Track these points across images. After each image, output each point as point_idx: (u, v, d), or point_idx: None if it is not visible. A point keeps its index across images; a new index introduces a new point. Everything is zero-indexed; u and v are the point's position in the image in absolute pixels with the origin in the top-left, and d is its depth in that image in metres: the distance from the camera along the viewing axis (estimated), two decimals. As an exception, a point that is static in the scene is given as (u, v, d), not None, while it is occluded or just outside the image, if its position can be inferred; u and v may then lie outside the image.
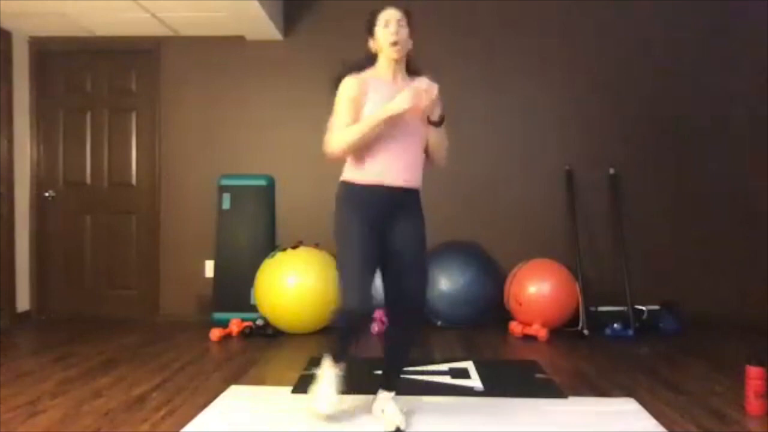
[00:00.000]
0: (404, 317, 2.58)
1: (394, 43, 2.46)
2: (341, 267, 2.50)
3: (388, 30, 2.47)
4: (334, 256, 4.62)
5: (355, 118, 2.45)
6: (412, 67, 2.58)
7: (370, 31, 2.55)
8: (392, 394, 2.66)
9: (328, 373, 2.58)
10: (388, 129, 2.40)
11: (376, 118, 2.39)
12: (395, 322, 2.64)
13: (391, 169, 2.46)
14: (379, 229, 2.48)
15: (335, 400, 2.57)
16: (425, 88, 2.37)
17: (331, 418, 2.59)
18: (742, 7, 4.97)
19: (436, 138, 2.55)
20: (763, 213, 4.93)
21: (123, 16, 4.63)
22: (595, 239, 5.01)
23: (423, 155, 2.56)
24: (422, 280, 2.55)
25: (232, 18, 4.61)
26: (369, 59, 2.58)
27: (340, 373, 2.59)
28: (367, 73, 2.52)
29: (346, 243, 2.49)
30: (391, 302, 2.57)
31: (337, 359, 2.59)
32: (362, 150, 2.45)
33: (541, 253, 4.74)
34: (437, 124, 2.51)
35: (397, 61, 2.51)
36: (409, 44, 2.51)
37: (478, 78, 5.06)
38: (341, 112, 2.50)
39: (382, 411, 2.62)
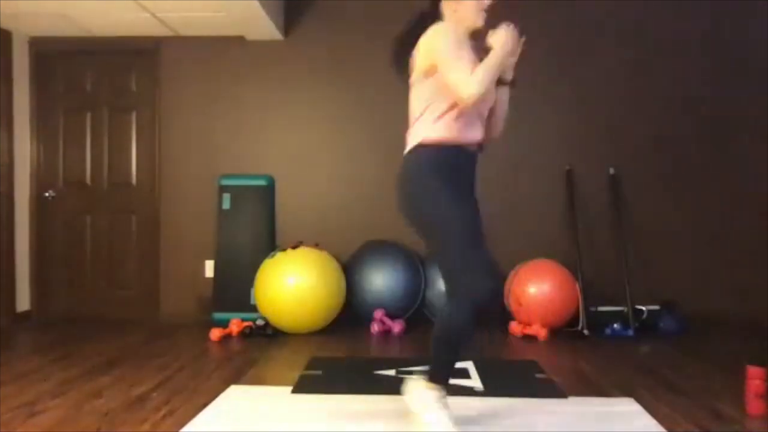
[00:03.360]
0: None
1: (488, 9, 2.33)
2: (452, 248, 2.20)
3: None
4: (334, 256, 4.68)
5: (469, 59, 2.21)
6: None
7: None
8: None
9: (432, 399, 2.28)
10: None
11: (497, 57, 2.20)
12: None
13: (473, 124, 2.31)
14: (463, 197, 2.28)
15: (452, 421, 2.27)
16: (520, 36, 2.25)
17: None
18: (743, 6, 4.97)
19: (505, 102, 2.43)
20: (763, 213, 4.93)
21: (123, 16, 4.63)
22: (595, 239, 5.01)
23: None
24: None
25: (232, 18, 4.61)
26: (423, 22, 2.34)
27: (444, 394, 2.31)
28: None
29: (439, 220, 2.21)
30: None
31: (442, 376, 2.29)
32: (447, 97, 2.24)
33: (541, 253, 4.74)
34: (513, 83, 2.39)
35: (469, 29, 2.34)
36: None
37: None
38: (458, 51, 2.19)
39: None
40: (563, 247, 4.90)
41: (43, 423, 2.61)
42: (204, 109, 5.16)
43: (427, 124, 2.29)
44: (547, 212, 5.02)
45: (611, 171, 4.99)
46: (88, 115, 5.24)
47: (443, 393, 2.33)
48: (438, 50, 2.22)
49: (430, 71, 2.27)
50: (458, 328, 2.26)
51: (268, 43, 5.09)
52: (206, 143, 5.15)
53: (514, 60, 2.36)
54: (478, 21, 2.33)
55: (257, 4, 4.25)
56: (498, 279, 2.29)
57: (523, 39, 2.32)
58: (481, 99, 2.20)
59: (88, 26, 4.88)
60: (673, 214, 5.00)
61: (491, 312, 2.35)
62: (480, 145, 2.41)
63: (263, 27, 4.77)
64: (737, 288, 4.91)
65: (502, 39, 2.24)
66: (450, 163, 2.30)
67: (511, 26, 2.28)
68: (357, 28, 5.06)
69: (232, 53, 5.13)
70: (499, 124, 2.51)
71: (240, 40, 5.09)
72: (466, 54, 2.24)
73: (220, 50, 5.13)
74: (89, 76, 5.24)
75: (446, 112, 2.27)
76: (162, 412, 2.74)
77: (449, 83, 2.20)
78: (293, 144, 5.13)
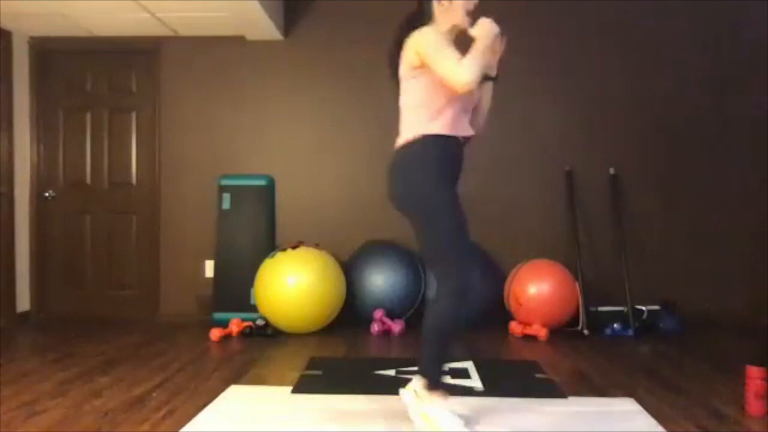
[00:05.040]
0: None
1: (471, 13, 2.39)
2: (450, 240, 2.28)
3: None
4: (334, 256, 4.68)
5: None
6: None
7: None
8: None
9: (436, 404, 2.32)
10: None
11: (482, 45, 2.26)
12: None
13: (463, 119, 2.40)
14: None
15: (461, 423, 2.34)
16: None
17: None
18: (744, 6, 4.97)
19: (489, 98, 2.53)
20: (763, 213, 4.94)
21: (123, 16, 4.63)
22: (595, 239, 5.01)
23: None
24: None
25: (232, 18, 4.61)
26: (414, 23, 2.43)
27: (446, 396, 2.37)
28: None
29: (448, 210, 2.29)
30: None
31: (437, 378, 2.34)
32: (440, 95, 2.33)
33: (541, 253, 4.74)
34: (496, 79, 2.47)
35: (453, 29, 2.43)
36: None
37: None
38: (446, 47, 2.27)
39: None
40: (563, 247, 4.90)
41: (43, 423, 2.61)
42: (204, 109, 5.16)
43: (427, 118, 2.36)
44: (547, 212, 5.02)
45: (611, 171, 4.99)
46: (88, 115, 5.24)
47: (445, 393, 2.37)
48: (425, 46, 2.30)
49: (419, 67, 2.35)
50: (450, 318, 2.33)
51: (268, 43, 5.09)
52: (206, 143, 5.16)
53: (496, 58, 2.41)
54: (465, 21, 2.39)
55: (257, 4, 4.25)
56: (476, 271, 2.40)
57: (505, 38, 2.38)
58: (475, 87, 2.27)
59: (88, 26, 4.88)
60: (673, 215, 5.00)
61: (470, 304, 2.38)
62: (467, 139, 2.48)
63: (263, 27, 4.77)
64: (737, 288, 4.91)
65: (484, 29, 2.30)
66: (450, 155, 2.39)
67: (491, 19, 2.33)
68: (357, 28, 5.06)
69: (232, 53, 5.13)
70: (481, 120, 2.59)
71: (240, 40, 5.10)
72: (452, 48, 2.31)
73: (220, 50, 5.13)
74: (89, 76, 5.24)
75: (444, 107, 2.35)
76: (162, 412, 2.74)
77: (443, 74, 2.25)
78: (293, 144, 5.13)
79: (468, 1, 2.40)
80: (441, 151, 2.36)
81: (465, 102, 2.40)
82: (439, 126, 2.35)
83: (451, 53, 2.26)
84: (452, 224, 2.30)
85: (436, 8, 2.42)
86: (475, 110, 2.54)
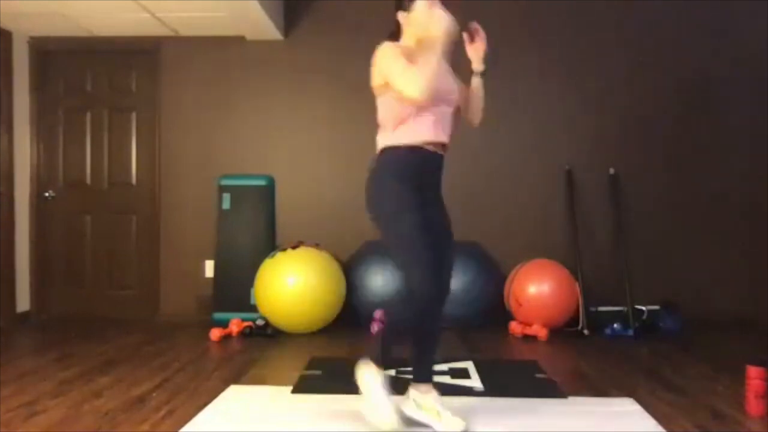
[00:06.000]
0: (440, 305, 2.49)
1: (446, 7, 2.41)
2: (401, 246, 2.33)
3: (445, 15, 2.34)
4: (334, 256, 4.68)
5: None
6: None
7: (405, 8, 2.43)
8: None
9: (374, 378, 2.37)
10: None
11: (435, 48, 2.25)
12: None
13: (436, 125, 2.39)
14: (422, 198, 2.40)
15: (392, 406, 2.37)
16: (475, 26, 2.40)
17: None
18: (744, 7, 4.97)
19: (480, 93, 2.54)
20: (763, 212, 4.94)
21: (123, 16, 4.63)
22: (595, 239, 5.01)
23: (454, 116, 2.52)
24: (453, 262, 2.54)
25: (232, 18, 4.61)
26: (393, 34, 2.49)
27: (386, 375, 2.41)
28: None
29: (401, 217, 2.33)
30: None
31: (381, 360, 2.39)
32: (405, 107, 2.35)
33: (541, 253, 4.74)
34: (484, 72, 2.51)
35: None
36: None
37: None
38: (398, 60, 2.30)
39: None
40: (563, 247, 4.90)
41: (43, 423, 2.61)
42: (204, 109, 5.16)
43: (390, 130, 2.43)
44: (547, 212, 5.02)
45: (611, 171, 4.99)
46: (88, 115, 5.24)
47: (385, 378, 2.41)
48: (381, 63, 2.37)
49: (383, 88, 2.41)
50: (400, 318, 2.42)
51: (268, 43, 5.09)
52: (206, 143, 5.16)
53: (451, 42, 2.33)
54: (437, 24, 2.29)
55: (257, 4, 4.25)
56: (443, 284, 2.46)
57: (478, 30, 2.45)
58: (433, 95, 2.27)
59: (88, 26, 4.88)
60: (672, 214, 5.00)
61: (437, 314, 2.50)
62: (444, 146, 2.48)
63: (263, 27, 4.77)
64: (737, 288, 4.91)
65: (435, 24, 2.28)
66: (411, 165, 2.40)
67: (439, 6, 2.35)
68: (356, 29, 5.06)
69: (232, 53, 5.13)
70: (479, 114, 2.61)
71: (240, 40, 5.10)
72: (403, 61, 2.31)
73: (220, 50, 5.13)
74: (89, 76, 5.24)
75: (407, 118, 2.38)
76: (162, 412, 2.74)
77: (398, 90, 2.30)
78: (293, 144, 5.13)
79: (431, 6, 2.36)
80: (397, 164, 2.39)
81: (437, 109, 2.39)
82: (399, 137, 2.40)
83: (401, 67, 2.28)
84: (403, 232, 2.33)
85: (402, 20, 2.46)
86: (463, 111, 2.57)
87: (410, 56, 2.34)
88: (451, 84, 2.47)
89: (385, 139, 2.46)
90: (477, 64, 2.53)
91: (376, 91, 2.47)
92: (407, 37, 2.47)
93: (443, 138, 2.44)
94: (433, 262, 2.32)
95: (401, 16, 2.46)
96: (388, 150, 2.43)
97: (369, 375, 2.38)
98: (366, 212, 2.49)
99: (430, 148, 2.42)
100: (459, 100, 2.52)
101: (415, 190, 2.39)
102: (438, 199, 2.53)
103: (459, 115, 2.58)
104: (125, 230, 5.23)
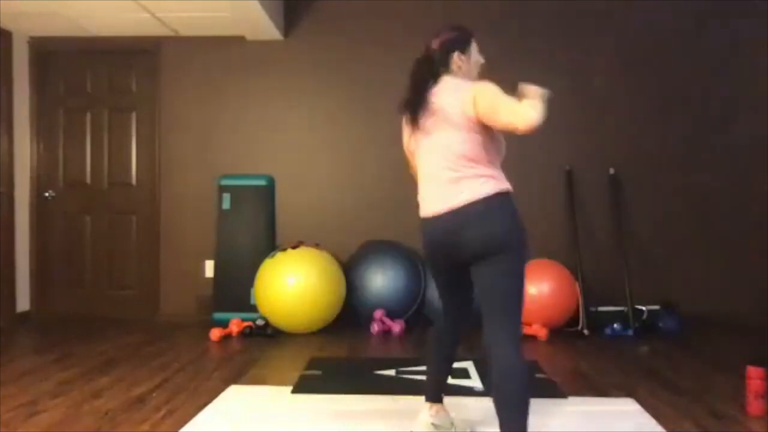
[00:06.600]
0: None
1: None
2: (521, 297, 2.33)
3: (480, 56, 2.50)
4: (334, 256, 4.68)
5: None
6: None
7: (463, 50, 2.45)
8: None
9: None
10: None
11: (542, 97, 2.30)
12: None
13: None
14: None
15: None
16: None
17: None
18: (744, 7, 4.97)
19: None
20: (763, 213, 4.93)
21: (123, 16, 4.63)
22: (595, 240, 5.01)
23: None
24: None
25: (232, 18, 4.61)
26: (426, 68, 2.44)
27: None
28: None
29: (523, 270, 2.32)
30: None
31: None
32: (498, 149, 2.46)
33: (541, 253, 4.74)
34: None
35: None
36: None
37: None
38: (507, 95, 2.32)
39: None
40: (563, 247, 4.90)
41: (43, 423, 2.61)
42: (204, 109, 5.16)
43: (500, 174, 2.45)
44: (547, 212, 5.02)
45: (611, 171, 4.99)
46: (88, 115, 5.24)
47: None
48: (491, 100, 2.29)
49: (478, 124, 2.33)
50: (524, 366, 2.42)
51: (268, 43, 5.09)
52: (206, 143, 5.16)
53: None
54: (476, 79, 2.43)
55: (257, 4, 4.25)
56: (448, 324, 2.62)
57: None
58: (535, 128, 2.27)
59: (88, 26, 4.88)
60: (673, 214, 5.00)
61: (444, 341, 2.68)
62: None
63: (263, 27, 4.77)
64: (737, 288, 4.91)
65: (532, 93, 2.31)
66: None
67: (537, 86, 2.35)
68: (357, 28, 5.06)
69: (232, 53, 5.13)
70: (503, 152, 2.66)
71: (240, 40, 5.10)
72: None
73: (220, 50, 5.13)
74: (89, 76, 5.24)
75: (495, 160, 2.46)
76: (162, 412, 2.74)
77: (509, 121, 2.26)
78: (293, 144, 5.13)
79: (479, 60, 2.49)
80: (515, 208, 2.50)
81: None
82: (506, 181, 2.54)
83: (514, 100, 2.28)
84: (524, 277, 2.39)
85: (455, 61, 2.43)
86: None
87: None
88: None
89: (501, 180, 2.44)
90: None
91: (465, 124, 2.33)
92: (469, 78, 2.45)
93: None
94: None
95: (457, 58, 2.42)
96: (509, 195, 2.48)
97: None
98: (487, 242, 2.33)
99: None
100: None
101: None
102: None
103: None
104: (125, 230, 5.23)
